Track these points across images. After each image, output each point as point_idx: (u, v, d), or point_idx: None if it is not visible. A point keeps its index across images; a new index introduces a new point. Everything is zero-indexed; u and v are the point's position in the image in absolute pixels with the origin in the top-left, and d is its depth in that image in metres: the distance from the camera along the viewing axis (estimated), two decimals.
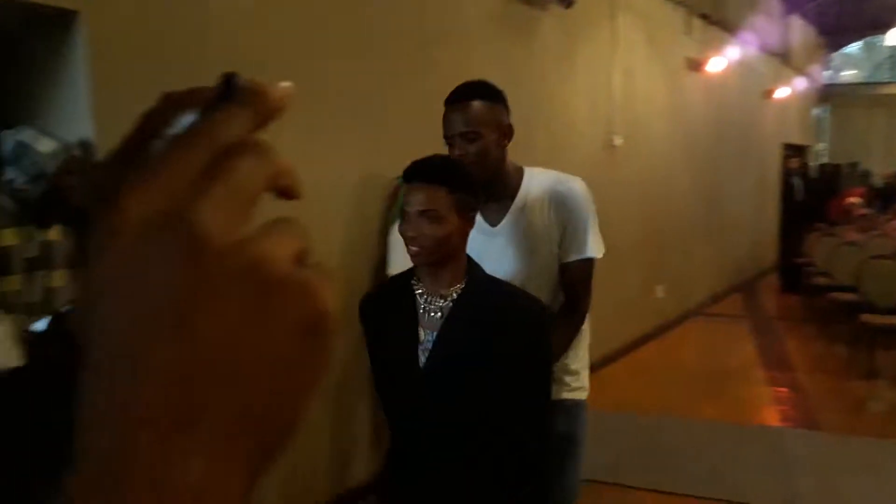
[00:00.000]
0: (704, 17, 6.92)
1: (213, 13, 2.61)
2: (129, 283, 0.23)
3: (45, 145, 2.03)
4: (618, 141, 5.43)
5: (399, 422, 1.53)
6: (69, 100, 2.30)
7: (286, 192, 0.27)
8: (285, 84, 0.28)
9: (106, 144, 2.21)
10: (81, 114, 2.26)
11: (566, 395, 1.95)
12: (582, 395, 2.03)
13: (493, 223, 1.86)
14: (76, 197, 2.13)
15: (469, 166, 1.66)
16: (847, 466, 3.62)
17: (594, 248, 1.89)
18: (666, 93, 6.40)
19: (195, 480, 0.21)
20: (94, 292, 0.23)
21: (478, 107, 1.74)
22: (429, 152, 3.13)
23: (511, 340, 1.41)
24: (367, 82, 3.19)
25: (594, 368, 4.96)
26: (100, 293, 0.23)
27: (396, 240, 3.16)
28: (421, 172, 1.42)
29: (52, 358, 0.46)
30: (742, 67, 8.11)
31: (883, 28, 9.77)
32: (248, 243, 0.24)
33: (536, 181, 1.87)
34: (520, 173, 1.87)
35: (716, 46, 7.16)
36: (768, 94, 9.70)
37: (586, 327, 1.99)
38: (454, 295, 1.45)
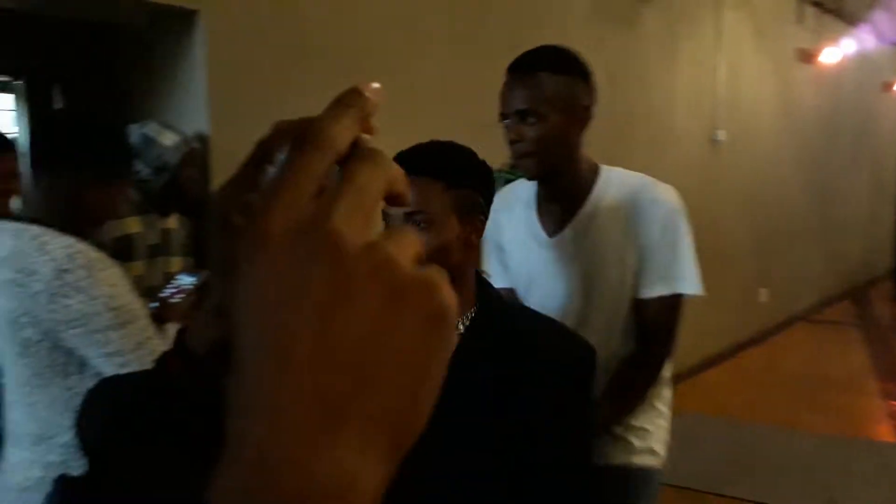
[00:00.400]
0: (818, 4, 6.50)
1: (318, 9, 2.69)
2: (276, 288, 0.24)
3: (168, 138, 2.16)
4: (721, 136, 5.20)
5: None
6: (188, 95, 2.43)
7: (397, 199, 0.29)
8: (375, 84, 0.30)
9: (220, 137, 2.33)
10: (199, 108, 2.39)
11: (627, 460, 1.48)
12: (650, 462, 1.53)
13: (551, 232, 1.47)
14: (193, 188, 2.25)
15: (523, 157, 1.37)
16: None
17: (687, 280, 1.45)
18: (774, 86, 6.06)
19: (345, 469, 0.23)
20: (244, 296, 0.25)
21: (546, 79, 1.35)
22: None
23: (540, 396, 1.01)
24: (464, 72, 3.20)
25: (693, 372, 4.85)
26: (250, 297, 0.25)
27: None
28: (409, 162, 0.96)
29: (176, 368, 0.50)
30: (859, 59, 7.57)
31: None
32: (376, 246, 0.25)
33: (615, 184, 1.45)
34: (595, 172, 1.47)
35: (830, 37, 6.72)
36: (887, 87, 9.01)
37: (668, 375, 1.56)
38: (458, 330, 1.05)
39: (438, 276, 0.26)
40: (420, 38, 3.03)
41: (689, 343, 4.91)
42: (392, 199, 0.29)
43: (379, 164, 0.28)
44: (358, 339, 0.24)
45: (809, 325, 6.66)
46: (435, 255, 1.00)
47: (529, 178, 1.46)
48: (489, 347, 1.03)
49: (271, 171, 0.38)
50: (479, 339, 1.03)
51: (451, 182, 1.05)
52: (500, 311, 1.11)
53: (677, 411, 4.62)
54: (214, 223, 0.45)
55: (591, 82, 1.44)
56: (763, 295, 5.99)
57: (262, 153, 0.37)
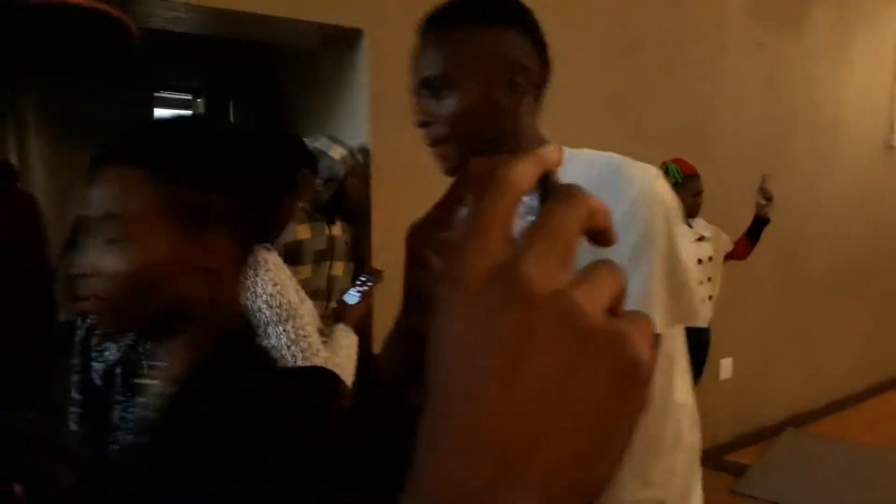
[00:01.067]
0: None
1: None
2: (469, 331, 0.25)
3: (337, 152, 2.31)
4: None
5: None
6: (352, 111, 2.58)
7: (601, 236, 0.28)
8: (552, 147, 0.31)
9: (381, 151, 2.46)
10: (362, 124, 2.52)
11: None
12: None
13: None
14: (357, 197, 2.40)
15: (437, 144, 1.00)
16: None
17: (658, 305, 0.94)
18: None
19: None
20: (439, 337, 0.26)
21: (463, 35, 0.98)
22: (685, 154, 3.04)
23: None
24: (622, 82, 3.15)
25: (859, 398, 4.43)
26: (445, 338, 0.26)
27: None
28: (112, 147, 0.70)
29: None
30: None
31: None
32: (565, 292, 0.25)
33: (574, 166, 0.86)
34: None
35: None
36: None
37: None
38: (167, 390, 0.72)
39: (631, 328, 0.25)
40: (574, 51, 3.02)
41: (855, 365, 4.53)
42: (596, 236, 0.28)
43: (572, 201, 0.27)
44: (543, 389, 0.24)
45: None
46: (129, 288, 0.67)
47: (446, 172, 1.01)
48: (192, 417, 0.67)
49: (463, 211, 0.40)
50: (182, 407, 0.68)
51: (163, 172, 0.68)
52: (229, 365, 0.72)
53: (839, 438, 4.30)
54: (407, 257, 0.48)
55: (536, 33, 1.04)
56: None
57: (454, 195, 0.38)
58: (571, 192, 0.28)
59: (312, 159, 2.04)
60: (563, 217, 0.27)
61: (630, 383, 0.25)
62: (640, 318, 0.26)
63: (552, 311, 0.25)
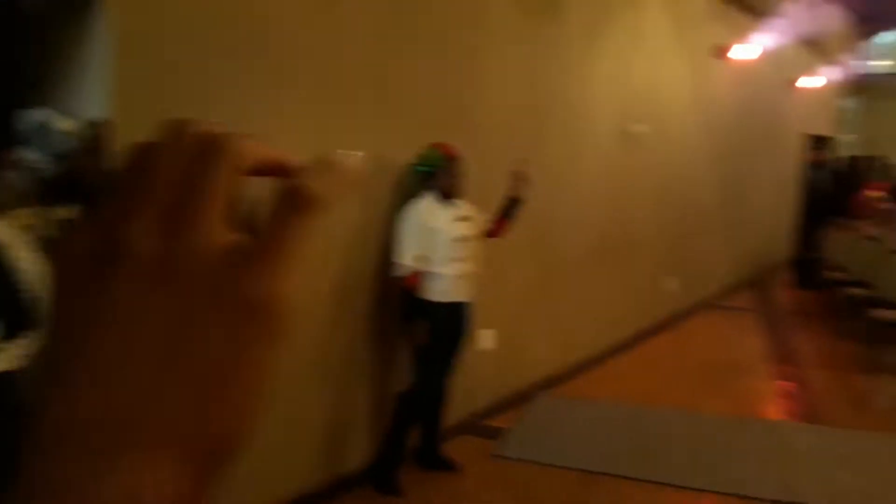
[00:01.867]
0: (734, 2, 6.78)
1: None
2: (64, 311, 0.24)
3: (64, 125, 2.07)
4: (636, 128, 5.38)
5: None
6: (88, 81, 2.33)
7: (268, 172, 0.26)
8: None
9: (124, 125, 2.25)
10: (100, 95, 2.29)
11: None
12: None
13: None
14: (93, 176, 2.17)
15: None
16: (845, 460, 3.65)
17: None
18: (690, 80, 6.31)
19: (129, 490, 0.22)
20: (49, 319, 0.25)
21: None
22: (440, 137, 3.18)
23: None
24: (389, 65, 3.18)
25: (601, 359, 5.05)
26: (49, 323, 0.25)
27: (408, 227, 3.20)
28: None
29: None
30: (770, 55, 7.95)
31: None
32: (174, 250, 0.24)
33: None
34: None
35: (744, 33, 7.03)
36: (795, 82, 9.52)
37: None
38: None
39: (246, 263, 0.24)
40: (341, 31, 2.99)
41: (597, 330, 5.15)
42: (264, 172, 0.26)
43: (203, 156, 0.25)
44: (149, 346, 0.23)
45: (715, 311, 7.03)
46: None
47: None
48: None
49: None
50: None
51: None
52: None
53: (585, 397, 4.80)
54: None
55: None
56: (672, 283, 6.28)
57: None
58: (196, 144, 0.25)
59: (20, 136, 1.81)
60: (186, 173, 0.24)
61: (250, 326, 0.24)
62: (266, 248, 0.24)
63: (157, 271, 0.23)
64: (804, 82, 9.73)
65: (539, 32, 4.21)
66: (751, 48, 7.06)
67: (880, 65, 13.37)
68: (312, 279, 2.55)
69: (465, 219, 3.22)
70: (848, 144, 12.97)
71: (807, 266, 8.19)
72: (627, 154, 5.35)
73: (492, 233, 3.41)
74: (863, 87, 13.36)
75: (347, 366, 3.17)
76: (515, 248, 3.93)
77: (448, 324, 3.17)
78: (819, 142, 10.90)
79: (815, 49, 10.15)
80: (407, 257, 3.07)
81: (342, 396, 3.21)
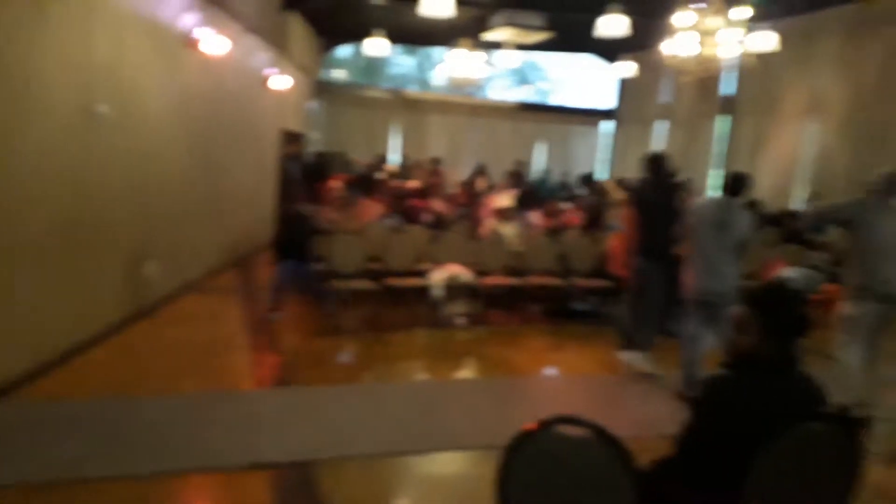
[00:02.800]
0: None
1: None
2: None
3: None
4: (100, 107, 5.07)
5: None
6: None
7: None
8: None
9: None
10: None
11: None
12: None
13: None
14: None
15: None
16: (305, 415, 4.18)
17: None
18: (162, 65, 6.25)
19: None
20: None
21: None
22: None
23: None
24: None
25: (76, 352, 4.66)
26: None
27: None
28: None
29: None
30: (242, 52, 8.47)
31: (363, 37, 11.47)
32: None
33: None
34: None
35: (216, 26, 7.30)
36: (268, 81, 10.39)
37: None
38: None
39: None
40: None
41: (67, 322, 4.73)
42: None
43: None
44: None
45: (199, 293, 7.20)
46: None
47: None
48: None
49: None
50: None
51: None
52: None
53: (52, 399, 4.33)
54: None
55: None
56: (151, 267, 6.17)
57: None
58: None
59: None
60: None
61: None
62: None
63: None
64: (277, 83, 10.69)
65: None
66: (221, 41, 7.39)
67: (338, 74, 15.70)
68: None
69: None
70: (316, 141, 14.86)
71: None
72: (92, 133, 5.01)
73: None
74: (325, 92, 15.47)
75: None
76: None
77: None
78: (292, 137, 12.18)
79: (284, 52, 11.26)
80: None
81: None
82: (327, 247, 6.60)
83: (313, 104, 14.87)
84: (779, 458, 1.77)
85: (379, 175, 11.77)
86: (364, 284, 6.47)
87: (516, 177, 11.92)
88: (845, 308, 4.43)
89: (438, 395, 4.79)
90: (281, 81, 10.84)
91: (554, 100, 22.63)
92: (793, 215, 10.10)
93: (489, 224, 7.87)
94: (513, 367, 5.48)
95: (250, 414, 4.18)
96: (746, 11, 7.53)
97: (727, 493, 1.81)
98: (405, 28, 12.10)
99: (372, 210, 8.69)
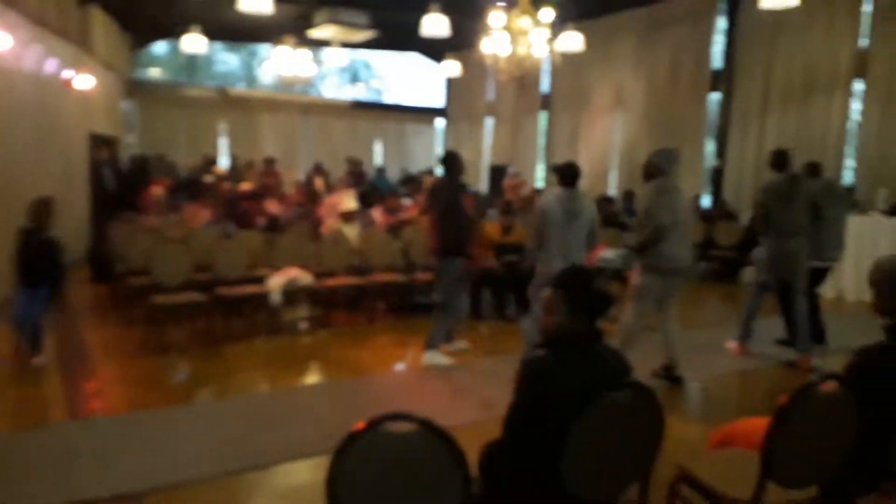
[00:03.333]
0: None
1: None
2: None
3: None
4: None
5: None
6: None
7: None
8: None
9: None
10: None
11: None
12: None
13: None
14: None
15: None
16: (130, 442, 3.83)
17: None
18: None
19: None
20: None
21: None
22: None
23: None
24: None
25: None
26: None
27: None
28: None
29: None
30: (32, 49, 7.61)
31: (181, 34, 10.77)
32: None
33: None
34: None
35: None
36: (70, 82, 9.44)
37: None
38: None
39: None
40: None
41: None
42: None
43: None
44: None
45: None
46: None
47: None
48: None
49: None
50: None
51: None
52: None
53: None
54: None
55: None
56: None
57: None
58: None
59: None
60: None
61: None
62: None
63: None
64: (80, 83, 9.74)
65: None
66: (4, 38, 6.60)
67: (155, 72, 14.64)
68: None
69: None
70: (132, 145, 13.76)
71: (100, 260, 8.32)
72: None
73: None
74: (140, 91, 14.36)
75: None
76: None
77: None
78: (104, 141, 11.18)
79: (87, 50, 10.29)
80: None
81: None
82: (148, 258, 6.14)
83: (127, 105, 13.76)
84: (590, 428, 1.90)
85: (207, 178, 11.16)
86: (192, 297, 6.09)
87: (356, 175, 11.86)
88: (636, 280, 5.00)
89: (280, 404, 4.63)
90: (84, 81, 9.90)
91: (388, 98, 22.81)
92: (610, 200, 11.00)
93: (330, 224, 7.76)
94: (358, 367, 5.45)
95: (66, 449, 3.78)
96: (550, 13, 8.04)
97: (551, 468, 1.92)
98: (225, 24, 11.56)
99: (199, 216, 8.22)
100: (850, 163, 9.85)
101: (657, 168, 4.85)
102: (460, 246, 5.48)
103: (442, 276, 5.54)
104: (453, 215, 5.40)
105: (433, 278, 5.99)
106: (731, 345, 6.02)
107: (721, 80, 11.26)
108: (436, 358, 5.51)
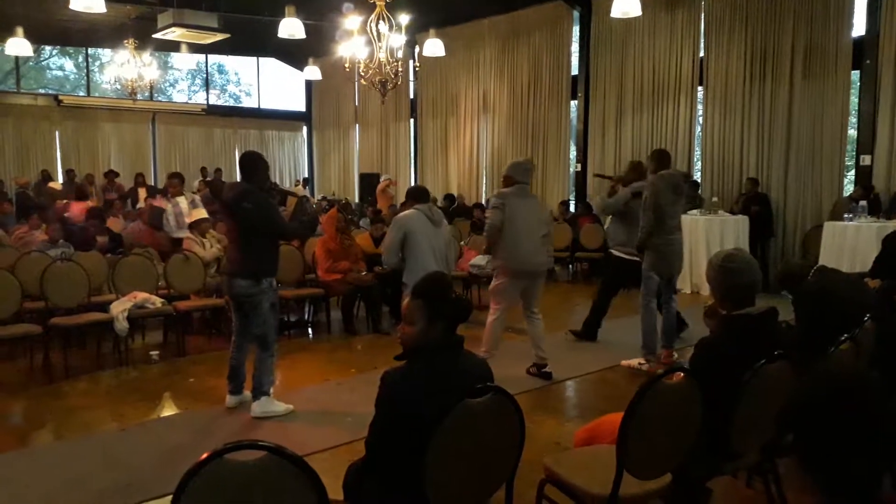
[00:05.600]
0: None
1: None
2: None
3: None
4: None
5: None
6: None
7: None
8: None
9: None
10: None
11: None
12: None
13: None
14: None
15: None
16: None
17: None
18: None
19: None
20: None
21: None
22: None
23: None
24: None
25: None
26: None
27: None
28: None
29: None
30: None
31: (4, 37, 9.58)
32: None
33: None
34: None
35: None
36: None
37: None
38: None
39: None
40: None
41: None
42: None
43: None
44: None
45: None
46: None
47: None
48: None
49: None
50: None
51: None
52: None
53: None
54: None
55: None
56: None
57: None
58: None
59: None
60: None
61: None
62: None
63: None
64: None
65: None
66: None
67: None
68: None
69: None
70: None
71: None
72: None
73: None
74: None
75: None
76: None
77: None
78: None
79: None
80: None
81: None
82: None
83: None
84: (448, 437, 1.82)
85: (40, 196, 10.05)
86: (24, 329, 5.35)
87: (214, 185, 11.15)
88: (494, 282, 5.29)
89: (128, 442, 4.12)
90: None
91: (248, 104, 21.80)
92: (481, 207, 11.07)
93: (187, 242, 7.11)
94: (219, 395, 4.97)
95: None
96: (405, 18, 7.92)
97: (415, 482, 1.83)
98: (55, 26, 10.47)
99: (29, 238, 7.30)
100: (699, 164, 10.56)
101: (512, 180, 5.15)
102: (271, 265, 4.56)
103: (254, 304, 4.44)
104: (263, 228, 4.39)
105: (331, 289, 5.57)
106: (660, 354, 5.62)
107: (579, 86, 11.71)
108: (270, 406, 4.53)
